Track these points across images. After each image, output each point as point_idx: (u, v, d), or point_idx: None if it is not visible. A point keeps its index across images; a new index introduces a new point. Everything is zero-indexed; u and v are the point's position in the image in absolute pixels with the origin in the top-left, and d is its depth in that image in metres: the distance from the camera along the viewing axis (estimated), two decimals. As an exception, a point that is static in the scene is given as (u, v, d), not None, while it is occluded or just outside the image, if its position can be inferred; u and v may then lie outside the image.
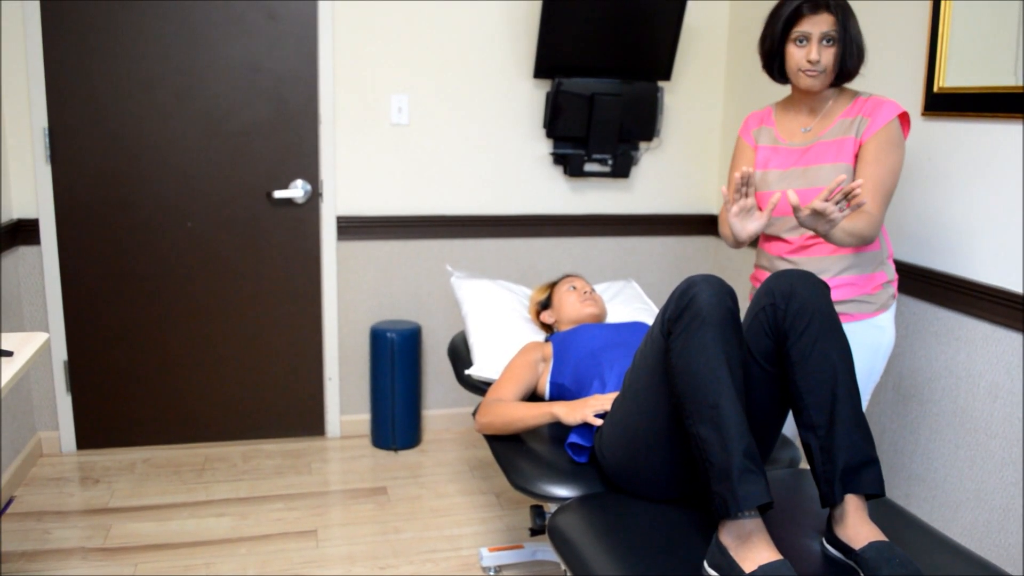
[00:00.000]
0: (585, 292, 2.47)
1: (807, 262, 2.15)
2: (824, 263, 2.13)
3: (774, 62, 2.13)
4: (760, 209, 2.23)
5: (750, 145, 2.28)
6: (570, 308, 2.44)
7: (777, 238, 2.22)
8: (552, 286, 2.58)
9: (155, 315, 3.26)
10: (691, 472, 1.71)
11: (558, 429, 2.14)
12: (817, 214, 1.83)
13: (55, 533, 2.69)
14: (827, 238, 1.93)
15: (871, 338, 2.13)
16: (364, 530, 2.76)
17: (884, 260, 2.16)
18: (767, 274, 2.26)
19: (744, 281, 3.49)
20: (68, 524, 2.75)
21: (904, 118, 2.06)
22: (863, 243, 2.01)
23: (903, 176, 2.49)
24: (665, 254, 3.72)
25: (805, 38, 2.02)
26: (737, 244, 2.17)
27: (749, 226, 1.98)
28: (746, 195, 1.95)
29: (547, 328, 2.57)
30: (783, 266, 2.19)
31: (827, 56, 2.02)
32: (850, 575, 1.53)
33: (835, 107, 2.12)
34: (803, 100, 2.16)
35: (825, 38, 2.00)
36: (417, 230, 3.42)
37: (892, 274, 2.18)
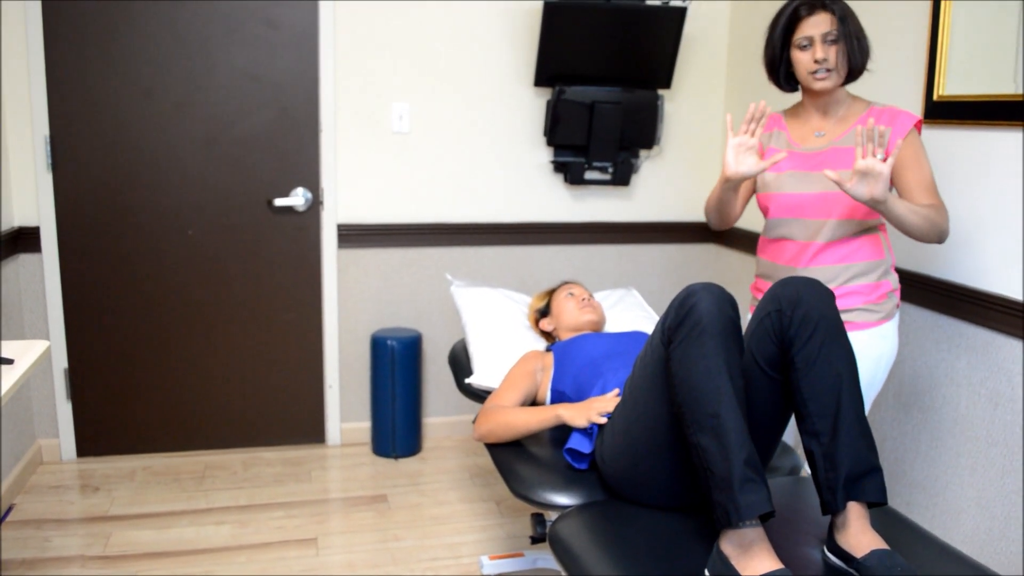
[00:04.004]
0: (583, 299, 2.47)
1: (812, 271, 2.13)
2: (830, 272, 2.11)
3: (779, 70, 2.14)
4: (764, 212, 2.24)
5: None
6: (568, 315, 2.44)
7: (785, 239, 2.19)
8: (551, 293, 2.58)
9: (156, 323, 3.26)
10: (692, 480, 1.71)
11: (559, 435, 2.14)
12: (863, 175, 1.86)
13: (55, 541, 2.68)
14: (901, 225, 1.95)
15: (875, 347, 2.12)
16: (364, 538, 2.76)
17: (889, 269, 2.15)
18: (768, 283, 2.25)
19: (745, 289, 3.49)
20: (68, 532, 2.74)
21: (918, 126, 2.08)
22: (940, 232, 2.00)
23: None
24: (666, 262, 3.73)
25: (808, 41, 2.03)
26: (719, 217, 2.23)
27: (743, 166, 2.00)
28: (753, 133, 1.98)
29: (547, 336, 2.57)
30: (785, 276, 2.17)
31: (833, 53, 2.02)
32: (852, 583, 1.53)
33: (849, 113, 2.12)
34: (815, 105, 2.16)
35: (827, 38, 2.01)
36: (418, 238, 3.43)
37: (896, 283, 2.18)
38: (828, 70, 2.03)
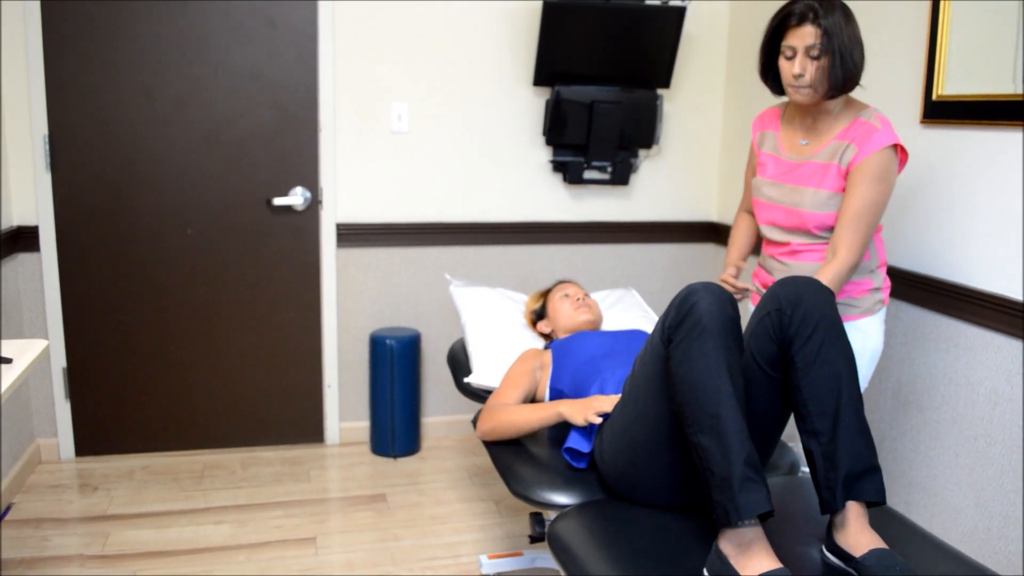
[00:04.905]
0: (578, 299, 2.47)
1: (798, 266, 2.18)
2: (812, 268, 2.16)
3: (768, 73, 2.16)
4: (753, 209, 2.33)
5: (756, 151, 2.33)
6: (565, 316, 2.44)
7: (768, 241, 2.29)
8: (545, 295, 2.58)
9: (154, 322, 3.26)
10: (691, 480, 1.71)
11: (558, 434, 2.14)
12: None
13: (53, 540, 2.68)
14: None
15: (855, 342, 2.13)
16: (363, 537, 2.76)
17: (874, 268, 2.18)
18: (764, 272, 2.32)
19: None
20: (66, 531, 2.74)
21: (900, 150, 2.04)
22: (847, 279, 2.08)
23: (903, 183, 2.49)
24: (664, 261, 3.73)
25: (792, 52, 2.02)
26: None
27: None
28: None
29: (545, 336, 2.57)
30: (777, 267, 2.24)
31: (812, 69, 1.99)
32: (850, 583, 1.53)
33: (835, 123, 2.11)
34: (807, 109, 2.16)
35: (810, 52, 1.98)
36: (417, 237, 3.43)
37: (881, 282, 2.20)
38: (804, 86, 2.02)
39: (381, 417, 3.36)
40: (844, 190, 2.06)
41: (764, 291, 2.29)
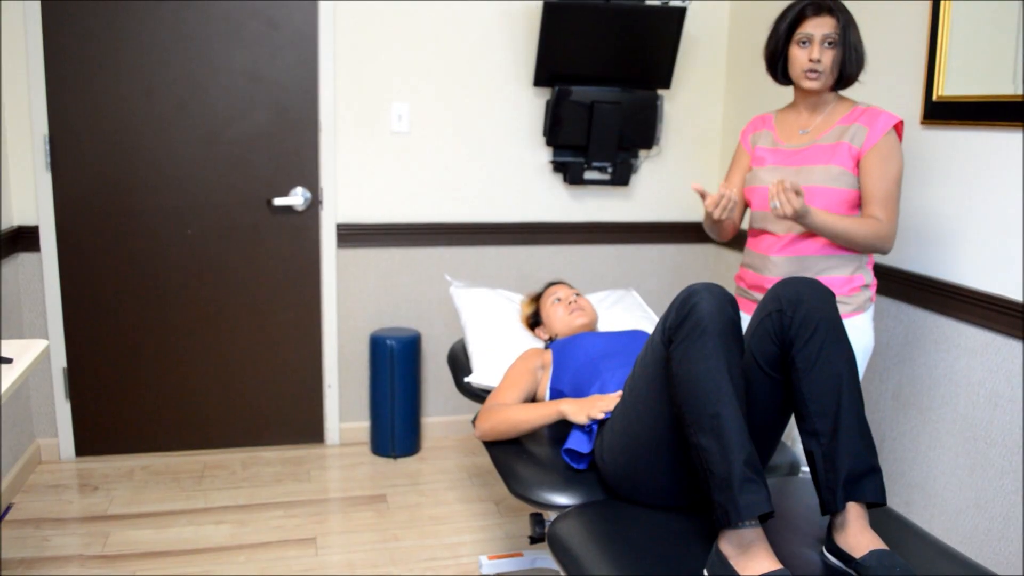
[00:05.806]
0: (571, 302, 2.46)
1: (790, 261, 2.20)
2: (806, 263, 2.18)
3: (777, 63, 2.22)
4: (749, 204, 2.34)
5: (747, 151, 2.37)
6: (559, 322, 2.45)
7: (764, 232, 2.27)
8: (537, 299, 2.58)
9: (155, 322, 3.26)
10: (692, 480, 1.71)
11: (558, 435, 2.14)
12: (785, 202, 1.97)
13: (53, 540, 2.68)
14: (832, 237, 2.09)
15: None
16: (363, 538, 2.76)
17: (863, 264, 2.22)
18: (751, 272, 2.33)
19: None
20: (66, 531, 2.74)
21: (899, 127, 2.13)
22: (874, 249, 2.12)
23: (903, 184, 2.49)
24: (665, 262, 3.73)
25: (808, 40, 2.11)
26: (719, 233, 2.34)
27: (724, 212, 2.10)
28: (721, 212, 2.09)
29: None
30: (767, 265, 2.25)
31: (827, 57, 2.10)
32: (850, 584, 1.53)
33: (834, 113, 2.20)
34: (804, 104, 2.24)
35: (826, 40, 2.09)
36: (417, 238, 3.43)
37: (870, 279, 2.24)
38: (818, 72, 2.11)
39: (381, 417, 3.36)
40: (856, 171, 2.12)
41: (750, 292, 2.31)
